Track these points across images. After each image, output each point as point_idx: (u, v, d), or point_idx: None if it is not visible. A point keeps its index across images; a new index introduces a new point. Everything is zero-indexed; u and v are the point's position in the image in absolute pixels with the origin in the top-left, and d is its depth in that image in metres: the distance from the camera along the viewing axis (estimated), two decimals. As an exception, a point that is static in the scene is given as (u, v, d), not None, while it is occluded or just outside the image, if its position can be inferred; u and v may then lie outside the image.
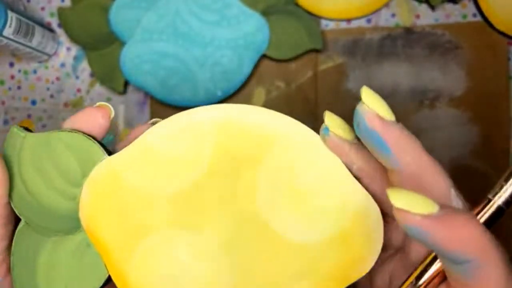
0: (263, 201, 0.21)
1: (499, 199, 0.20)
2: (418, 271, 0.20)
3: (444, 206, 0.18)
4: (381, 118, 0.21)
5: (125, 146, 0.22)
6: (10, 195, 0.22)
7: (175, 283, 0.21)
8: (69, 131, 0.22)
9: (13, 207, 0.23)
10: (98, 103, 0.24)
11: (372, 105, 0.21)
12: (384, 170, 0.22)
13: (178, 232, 0.21)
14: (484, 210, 0.20)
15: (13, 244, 0.23)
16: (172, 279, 0.21)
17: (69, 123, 0.23)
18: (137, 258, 0.22)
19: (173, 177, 0.21)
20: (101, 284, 0.22)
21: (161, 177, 0.22)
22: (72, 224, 0.22)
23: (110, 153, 0.22)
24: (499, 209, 0.20)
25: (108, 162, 0.22)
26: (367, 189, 0.22)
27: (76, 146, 0.22)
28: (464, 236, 0.17)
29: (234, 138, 0.21)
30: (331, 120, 0.23)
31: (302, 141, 0.22)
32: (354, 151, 0.22)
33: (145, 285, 0.22)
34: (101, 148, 0.22)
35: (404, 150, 0.21)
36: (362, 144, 0.22)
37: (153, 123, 0.24)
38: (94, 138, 0.22)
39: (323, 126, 0.22)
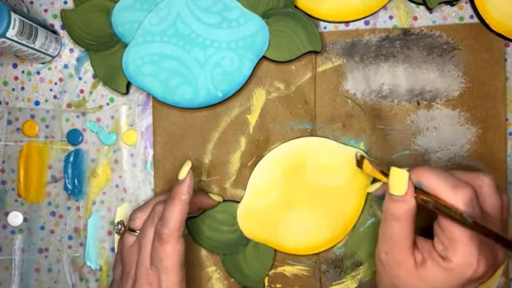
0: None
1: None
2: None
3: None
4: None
5: (168, 197, 0.38)
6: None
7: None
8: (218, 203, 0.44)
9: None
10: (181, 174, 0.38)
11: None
12: None
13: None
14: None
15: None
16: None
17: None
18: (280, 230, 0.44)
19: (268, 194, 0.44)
20: (271, 264, 0.44)
21: (267, 197, 0.44)
22: (240, 243, 0.44)
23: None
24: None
25: (245, 204, 0.44)
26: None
27: (224, 208, 0.44)
28: None
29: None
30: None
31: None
32: None
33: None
34: (235, 203, 0.44)
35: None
36: None
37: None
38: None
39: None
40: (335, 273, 0.44)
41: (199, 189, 0.44)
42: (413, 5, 0.44)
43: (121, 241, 0.40)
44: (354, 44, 0.44)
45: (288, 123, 0.44)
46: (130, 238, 0.39)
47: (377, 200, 0.44)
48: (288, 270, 0.44)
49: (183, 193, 0.37)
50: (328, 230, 0.44)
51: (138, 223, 0.39)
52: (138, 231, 0.39)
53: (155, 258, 0.36)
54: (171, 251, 0.36)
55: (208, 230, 0.44)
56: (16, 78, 0.46)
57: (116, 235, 0.45)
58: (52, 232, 0.46)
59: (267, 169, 0.43)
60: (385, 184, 0.36)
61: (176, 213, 0.36)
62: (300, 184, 0.43)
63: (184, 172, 0.38)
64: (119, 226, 0.40)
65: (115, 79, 0.44)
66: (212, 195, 0.43)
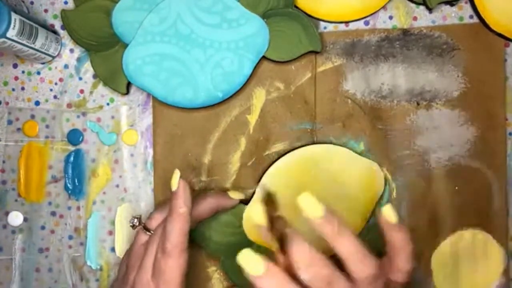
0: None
1: None
2: None
3: None
4: None
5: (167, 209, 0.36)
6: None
7: None
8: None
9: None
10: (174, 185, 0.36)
11: None
12: None
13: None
14: None
15: None
16: None
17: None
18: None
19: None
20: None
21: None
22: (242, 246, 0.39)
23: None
24: None
25: (249, 210, 0.43)
26: None
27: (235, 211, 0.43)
28: None
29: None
30: None
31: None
32: None
33: None
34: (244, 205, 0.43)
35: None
36: None
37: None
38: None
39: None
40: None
41: (215, 191, 0.43)
42: (413, 5, 0.44)
43: (135, 237, 0.39)
44: (354, 44, 0.44)
45: (288, 123, 0.44)
46: (143, 237, 0.38)
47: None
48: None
49: (180, 206, 0.35)
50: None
51: (153, 224, 0.38)
52: (151, 232, 0.38)
53: (157, 270, 0.36)
54: (173, 265, 0.35)
55: (211, 231, 0.43)
56: (16, 78, 0.46)
57: (116, 234, 0.45)
58: (53, 232, 0.46)
59: (276, 176, 0.43)
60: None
61: (176, 228, 0.35)
62: (309, 191, 0.42)
63: (175, 182, 0.36)
64: (135, 220, 0.39)
65: (115, 79, 0.44)
66: (231, 194, 0.41)
